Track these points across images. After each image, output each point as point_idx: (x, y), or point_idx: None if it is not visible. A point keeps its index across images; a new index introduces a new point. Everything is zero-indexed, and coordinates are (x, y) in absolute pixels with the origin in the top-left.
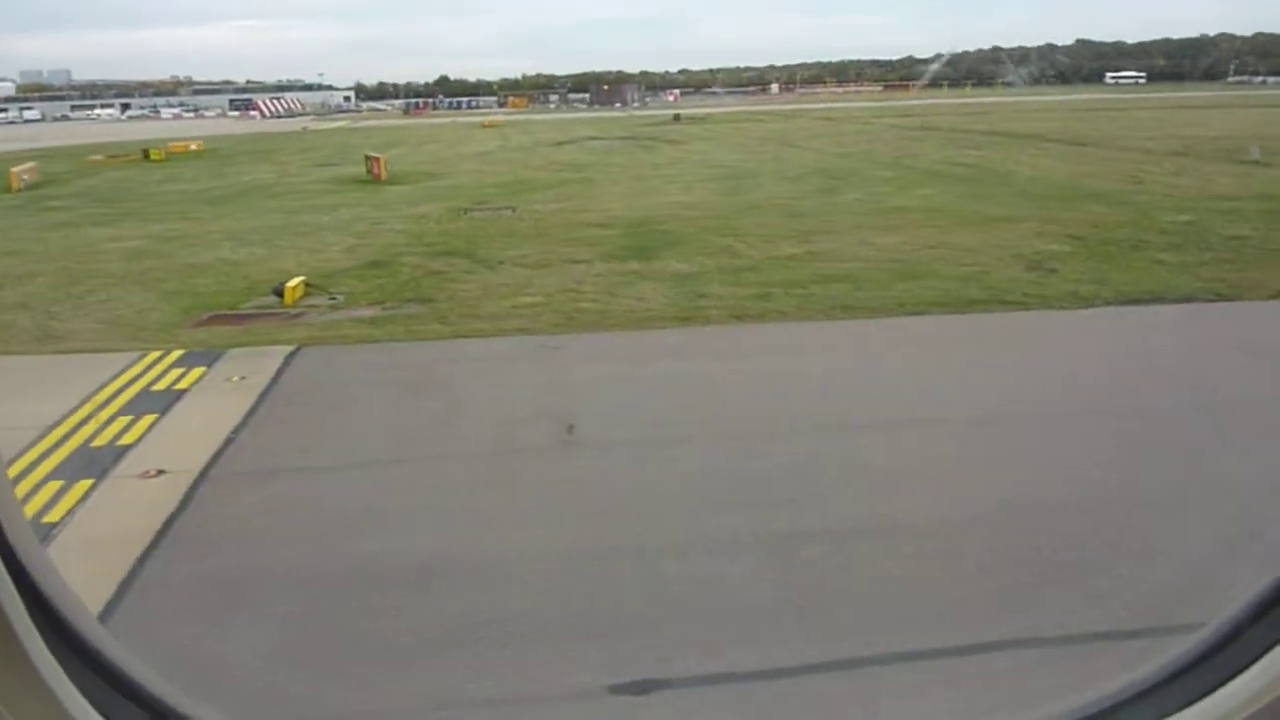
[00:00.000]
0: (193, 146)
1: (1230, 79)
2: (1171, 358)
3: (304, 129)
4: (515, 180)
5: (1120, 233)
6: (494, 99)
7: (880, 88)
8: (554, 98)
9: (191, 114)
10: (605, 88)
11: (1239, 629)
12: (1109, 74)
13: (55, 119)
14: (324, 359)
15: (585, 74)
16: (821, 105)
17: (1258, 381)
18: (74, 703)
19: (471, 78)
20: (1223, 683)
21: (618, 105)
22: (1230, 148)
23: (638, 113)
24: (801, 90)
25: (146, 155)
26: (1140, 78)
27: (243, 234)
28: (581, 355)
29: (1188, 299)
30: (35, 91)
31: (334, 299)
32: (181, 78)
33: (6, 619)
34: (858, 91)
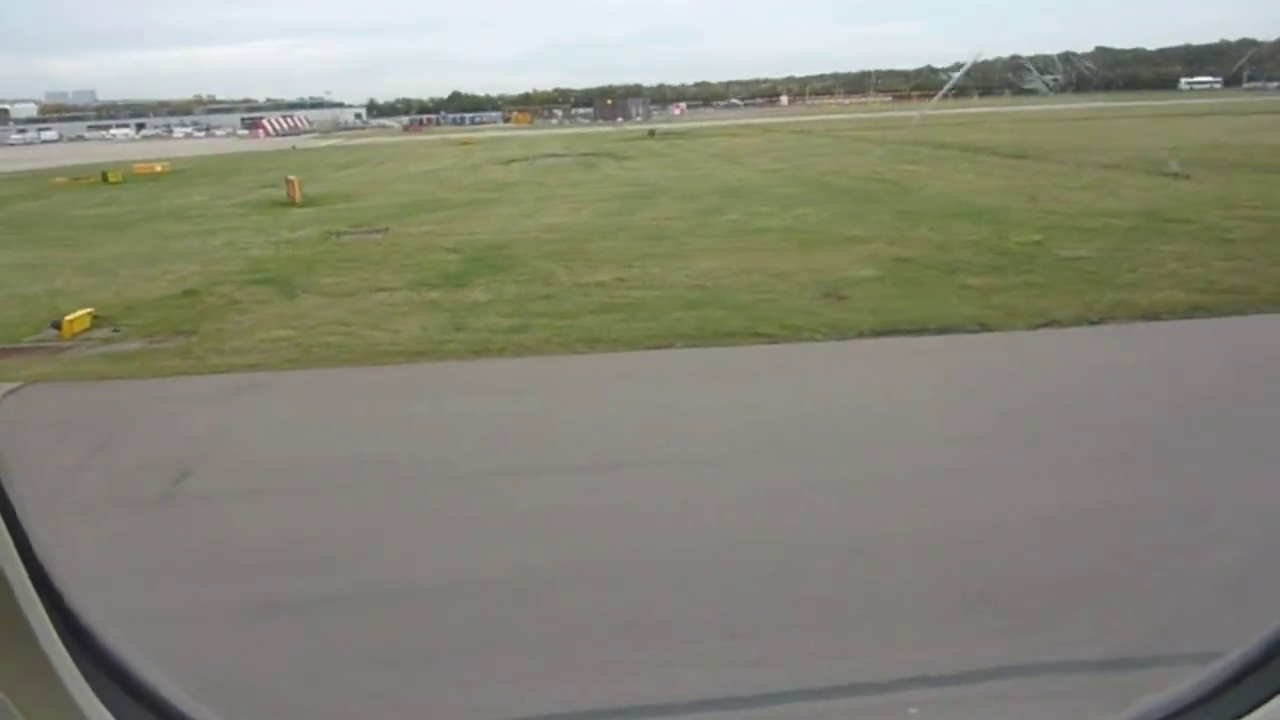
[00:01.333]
0: (157, 168)
1: (1246, 85)
2: (871, 393)
3: (293, 148)
4: (423, 201)
5: (956, 254)
6: (499, 114)
7: (890, 98)
8: (558, 113)
9: (202, 133)
10: (609, 102)
11: (1258, 662)
12: (1183, 79)
13: (71, 139)
14: (35, 397)
15: (602, 88)
16: (818, 118)
17: (919, 419)
18: (93, 709)
19: (492, 92)
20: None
21: (619, 119)
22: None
23: (630, 127)
24: (811, 101)
25: (105, 178)
26: (1216, 83)
27: (101, 262)
28: (273, 395)
29: (946, 329)
30: (56, 112)
31: (116, 331)
32: (204, 96)
33: (29, 625)
34: (863, 103)
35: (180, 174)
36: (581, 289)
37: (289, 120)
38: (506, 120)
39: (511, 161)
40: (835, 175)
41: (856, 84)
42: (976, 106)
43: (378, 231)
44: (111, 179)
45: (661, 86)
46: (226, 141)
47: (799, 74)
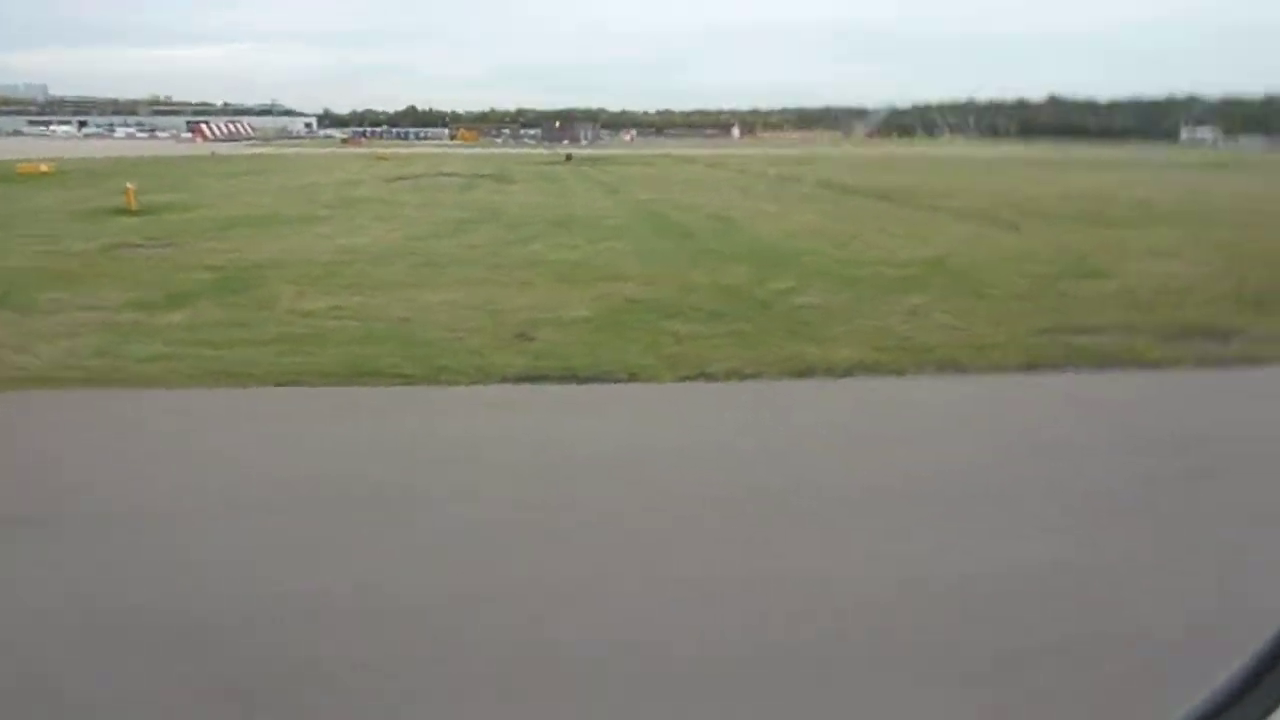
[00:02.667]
0: (42, 168)
1: (1182, 139)
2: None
3: (212, 154)
4: (257, 216)
5: (694, 298)
6: (446, 130)
7: (842, 134)
8: (505, 132)
9: (145, 134)
10: (558, 125)
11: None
12: (1184, 129)
13: (9, 134)
14: None
15: (564, 110)
16: (752, 151)
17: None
18: None
19: (458, 108)
20: None
21: (565, 142)
22: (1031, 210)
23: (563, 150)
24: (761, 134)
25: None
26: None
27: None
28: None
29: (595, 378)
30: (0, 104)
31: None
32: (162, 97)
33: None
34: (809, 138)
35: (62, 175)
36: (286, 316)
37: (233, 125)
38: (453, 137)
39: (399, 179)
40: (686, 211)
41: (816, 120)
42: (903, 148)
43: (169, 245)
44: None
45: (624, 112)
46: (160, 144)
47: (764, 106)
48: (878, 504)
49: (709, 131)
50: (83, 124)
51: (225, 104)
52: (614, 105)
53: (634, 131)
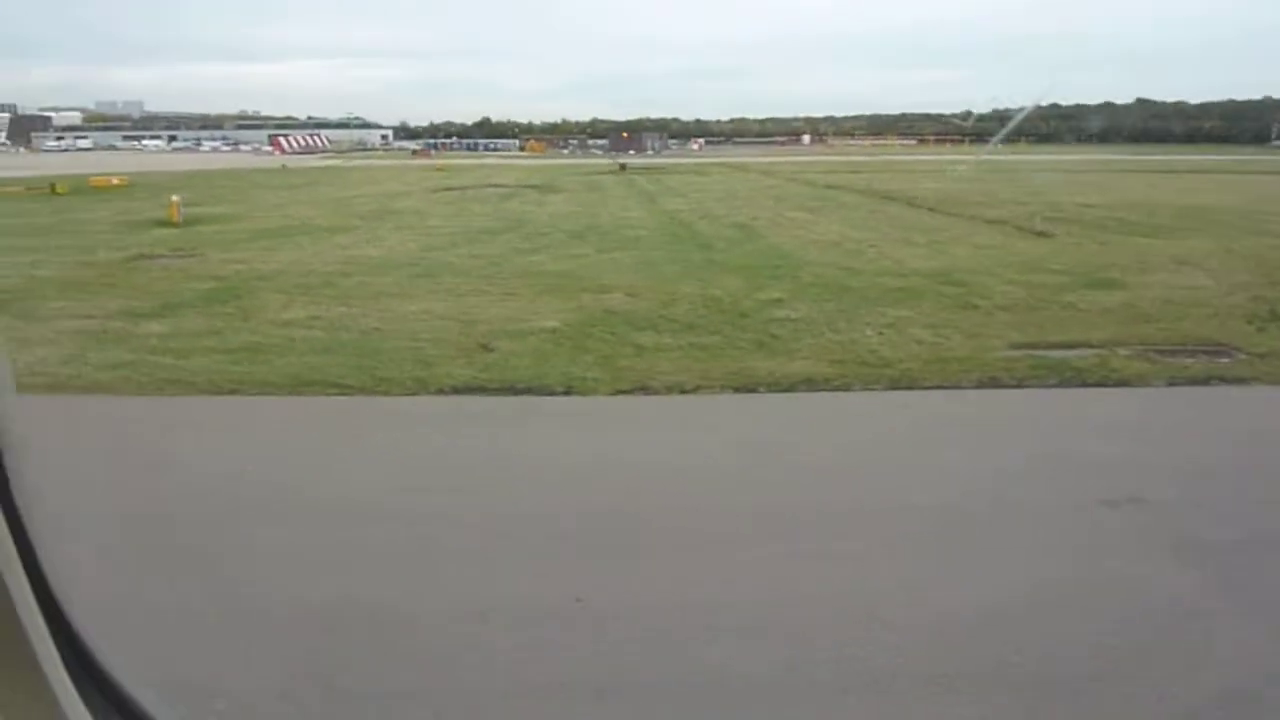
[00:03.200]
0: (114, 181)
1: (1274, 141)
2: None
3: (283, 166)
4: (292, 226)
5: (675, 309)
6: (517, 142)
7: (915, 141)
8: (573, 142)
9: (229, 147)
10: (625, 135)
11: None
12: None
13: (104, 148)
14: None
15: (638, 120)
16: (817, 158)
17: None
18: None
19: (535, 119)
20: None
21: (631, 152)
22: (1067, 216)
23: (634, 160)
24: (832, 142)
25: (53, 189)
26: None
27: None
28: None
29: (531, 390)
30: (100, 120)
31: None
32: (249, 111)
33: (30, 644)
34: (877, 145)
35: (130, 188)
36: (261, 326)
37: (314, 138)
38: (522, 148)
39: (446, 189)
40: (713, 220)
41: (890, 126)
42: (970, 155)
43: (190, 256)
44: (59, 190)
45: (699, 121)
46: (239, 157)
47: (838, 114)
48: (665, 523)
49: (779, 139)
50: (172, 138)
51: (309, 117)
52: (690, 115)
53: (702, 140)
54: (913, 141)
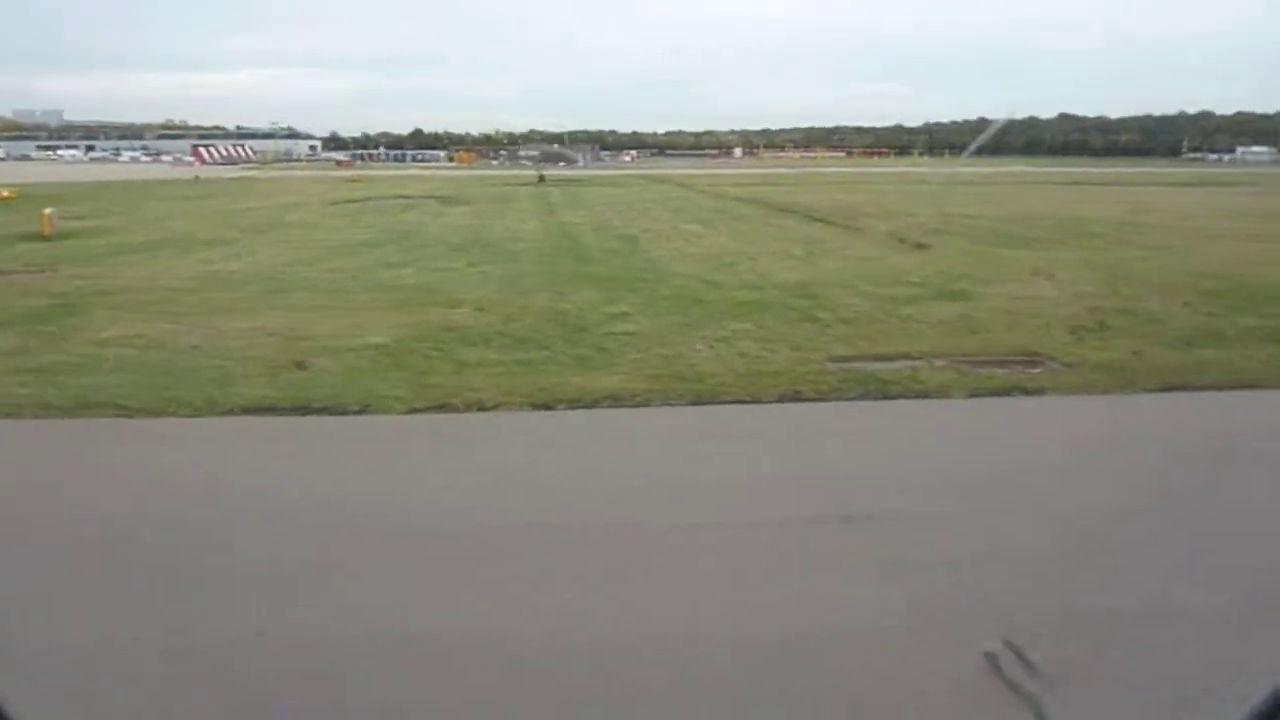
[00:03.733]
0: (4, 194)
1: (1185, 154)
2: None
3: (195, 178)
4: (166, 240)
5: (515, 324)
6: (443, 153)
7: (844, 154)
8: (503, 154)
9: (149, 158)
10: (556, 146)
11: None
12: (1239, 148)
13: (17, 158)
14: None
15: (579, 132)
16: (741, 171)
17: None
18: None
19: (473, 130)
20: None
21: (561, 164)
22: (952, 228)
23: (561, 173)
24: (763, 155)
25: None
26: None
27: None
28: None
29: (325, 410)
30: (14, 130)
31: None
32: (178, 121)
33: None
34: (806, 158)
35: (18, 201)
36: (76, 345)
37: (238, 149)
38: (450, 159)
39: (347, 202)
40: (602, 233)
41: (824, 139)
42: (898, 166)
43: (41, 272)
44: None
45: (635, 134)
46: (157, 168)
47: (774, 126)
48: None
49: (711, 152)
50: (90, 148)
51: (238, 127)
52: (624, 127)
53: (634, 153)
54: (841, 154)
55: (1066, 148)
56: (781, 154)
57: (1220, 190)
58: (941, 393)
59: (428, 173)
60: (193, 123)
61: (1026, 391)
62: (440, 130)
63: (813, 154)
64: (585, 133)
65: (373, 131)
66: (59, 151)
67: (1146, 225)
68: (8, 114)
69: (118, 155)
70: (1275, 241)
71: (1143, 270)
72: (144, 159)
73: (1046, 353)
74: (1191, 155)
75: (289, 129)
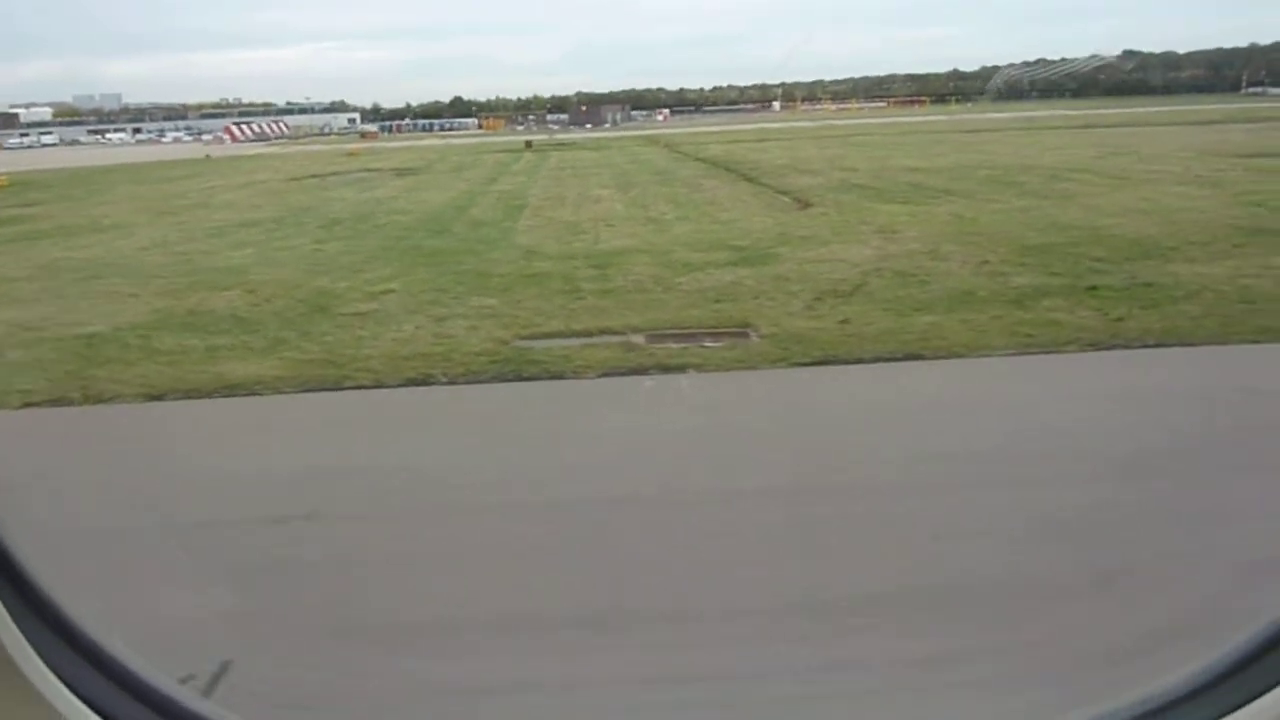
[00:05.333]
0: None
1: (1245, 90)
2: None
3: (207, 156)
4: (92, 224)
5: (266, 308)
6: (474, 120)
7: (886, 103)
8: (530, 118)
9: (191, 137)
10: (584, 109)
11: (1253, 655)
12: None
13: (67, 143)
14: None
15: (627, 91)
16: (771, 125)
17: None
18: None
19: (525, 95)
20: (1240, 705)
21: (588, 126)
22: (868, 184)
23: (576, 135)
24: (804, 107)
25: None
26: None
27: None
28: None
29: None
30: (71, 115)
31: None
32: (230, 100)
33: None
34: (842, 109)
35: (14, 187)
36: None
37: (273, 125)
38: (480, 126)
39: (313, 177)
40: (508, 202)
41: (877, 88)
42: (940, 114)
43: None
44: None
45: (682, 91)
46: (181, 147)
47: (829, 78)
48: None
49: (748, 107)
50: (136, 131)
51: (288, 103)
52: (672, 85)
53: (667, 111)
54: (882, 104)
55: (1122, 87)
56: (816, 106)
57: (1239, 129)
58: (578, 373)
59: (442, 142)
60: (245, 100)
61: (693, 369)
62: (482, 98)
63: (846, 105)
64: (634, 92)
65: (415, 102)
66: (107, 135)
67: (1089, 171)
68: (68, 99)
69: (162, 136)
70: (1211, 186)
71: (999, 225)
72: (186, 139)
73: (764, 323)
74: (1252, 90)
75: (334, 103)
